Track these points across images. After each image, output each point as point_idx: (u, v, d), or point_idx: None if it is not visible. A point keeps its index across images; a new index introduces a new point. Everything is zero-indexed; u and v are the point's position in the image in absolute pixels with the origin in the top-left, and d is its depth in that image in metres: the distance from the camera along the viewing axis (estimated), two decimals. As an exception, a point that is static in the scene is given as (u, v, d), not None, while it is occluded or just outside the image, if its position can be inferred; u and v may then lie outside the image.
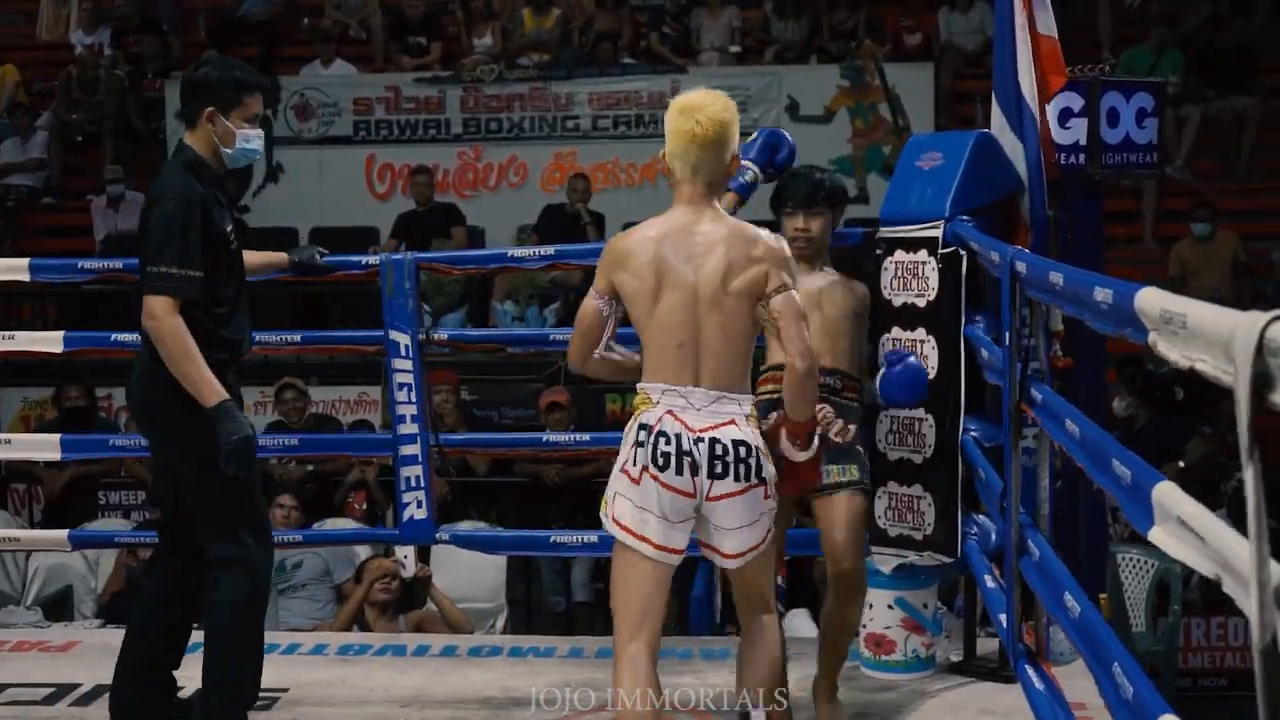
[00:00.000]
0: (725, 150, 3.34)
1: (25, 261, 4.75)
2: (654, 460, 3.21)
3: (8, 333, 5.10)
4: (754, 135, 4.19)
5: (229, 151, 3.88)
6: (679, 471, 3.20)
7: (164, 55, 12.56)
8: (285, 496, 6.66)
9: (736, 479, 3.23)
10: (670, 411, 3.24)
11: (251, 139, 3.89)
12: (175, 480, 3.91)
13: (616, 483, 3.28)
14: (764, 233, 3.37)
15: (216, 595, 3.81)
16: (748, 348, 3.34)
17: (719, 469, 3.22)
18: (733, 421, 3.25)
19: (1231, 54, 11.35)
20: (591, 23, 12.20)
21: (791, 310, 3.28)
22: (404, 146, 11.71)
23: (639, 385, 3.34)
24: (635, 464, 3.24)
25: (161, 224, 3.71)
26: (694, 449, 3.21)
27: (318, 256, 4.54)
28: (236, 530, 3.81)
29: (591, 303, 3.41)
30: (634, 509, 3.24)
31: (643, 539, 3.24)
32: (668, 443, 3.21)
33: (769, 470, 3.29)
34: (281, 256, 4.50)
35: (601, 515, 3.33)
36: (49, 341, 4.88)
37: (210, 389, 3.67)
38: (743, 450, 3.23)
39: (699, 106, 3.33)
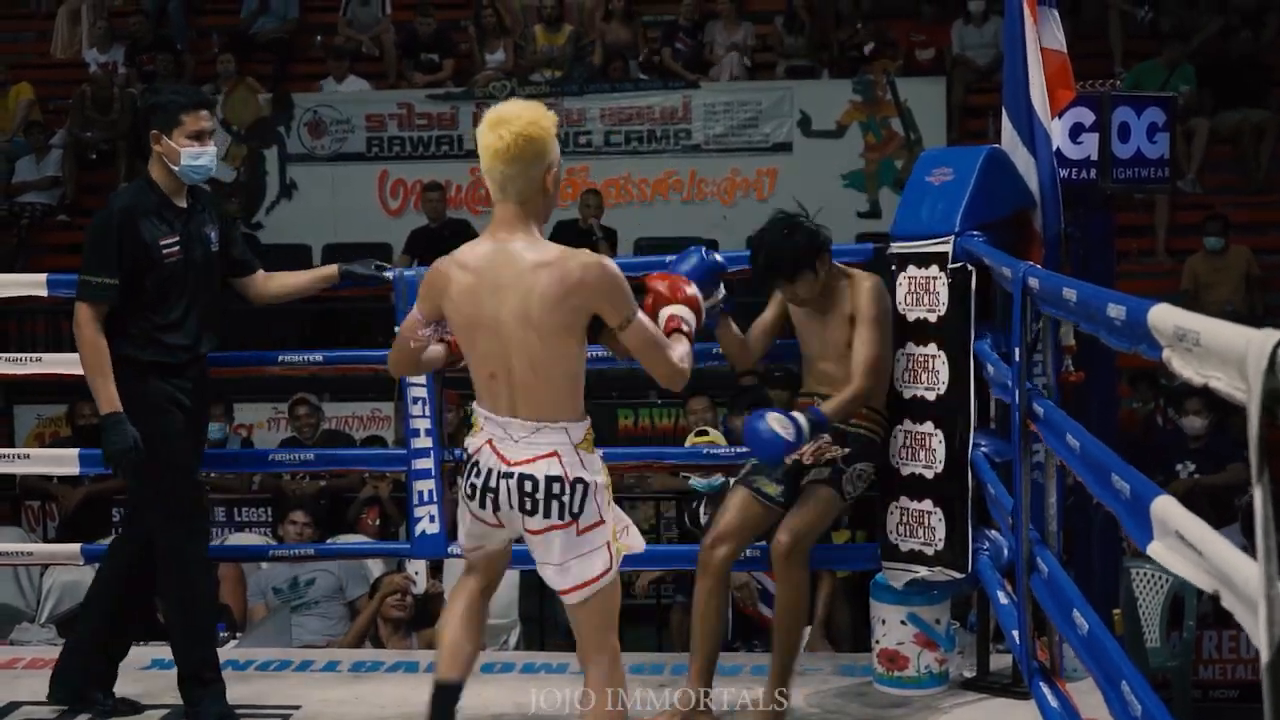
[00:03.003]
0: (534, 166, 3.17)
1: (43, 277, 4.75)
2: (466, 489, 3.27)
3: (35, 354, 5.05)
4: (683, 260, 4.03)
5: (177, 168, 4.09)
6: (482, 505, 3.24)
7: (178, 73, 12.58)
8: (298, 513, 6.65)
9: (547, 515, 3.14)
10: (490, 441, 3.21)
11: (200, 155, 4.09)
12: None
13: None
14: (585, 258, 3.14)
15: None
16: (564, 377, 3.17)
17: (528, 505, 3.15)
18: (554, 454, 3.14)
19: (1243, 66, 11.34)
20: (604, 38, 12.23)
21: (642, 341, 3.20)
22: (417, 163, 11.74)
23: (473, 404, 3.32)
24: (462, 484, 3.31)
25: (86, 237, 4.12)
26: (500, 485, 3.17)
27: (374, 267, 4.47)
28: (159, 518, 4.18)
29: (412, 314, 3.38)
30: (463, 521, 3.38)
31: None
32: (477, 475, 3.22)
33: (590, 506, 3.16)
34: (331, 270, 4.49)
35: None
36: (75, 364, 4.81)
37: (106, 399, 4.02)
38: (556, 486, 3.13)
39: (506, 119, 3.16)
